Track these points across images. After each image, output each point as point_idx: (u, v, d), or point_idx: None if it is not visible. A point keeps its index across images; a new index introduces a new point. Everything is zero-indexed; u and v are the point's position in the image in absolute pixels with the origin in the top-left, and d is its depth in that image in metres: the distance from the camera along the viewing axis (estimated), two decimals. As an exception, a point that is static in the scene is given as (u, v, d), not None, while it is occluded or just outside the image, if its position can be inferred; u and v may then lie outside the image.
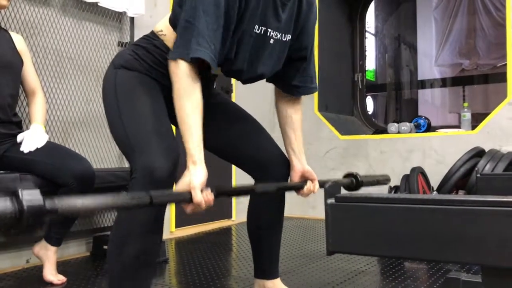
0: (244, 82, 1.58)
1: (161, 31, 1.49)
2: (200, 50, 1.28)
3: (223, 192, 1.33)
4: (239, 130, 1.66)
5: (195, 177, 1.21)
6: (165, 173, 1.28)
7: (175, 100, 1.30)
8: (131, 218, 1.31)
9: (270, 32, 1.46)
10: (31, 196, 0.83)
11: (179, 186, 1.23)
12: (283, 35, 1.50)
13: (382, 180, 1.93)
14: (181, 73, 1.29)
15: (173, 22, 1.45)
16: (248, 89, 3.99)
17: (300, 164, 1.64)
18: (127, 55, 1.49)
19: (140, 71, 1.46)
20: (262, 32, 1.44)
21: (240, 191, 1.47)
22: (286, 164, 1.66)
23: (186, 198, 1.20)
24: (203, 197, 1.20)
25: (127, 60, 1.48)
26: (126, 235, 1.31)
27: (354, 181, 1.69)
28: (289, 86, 1.65)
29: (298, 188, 1.59)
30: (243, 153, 1.65)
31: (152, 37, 1.51)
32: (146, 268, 1.33)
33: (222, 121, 1.66)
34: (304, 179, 1.62)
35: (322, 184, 1.62)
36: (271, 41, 1.48)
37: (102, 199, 0.99)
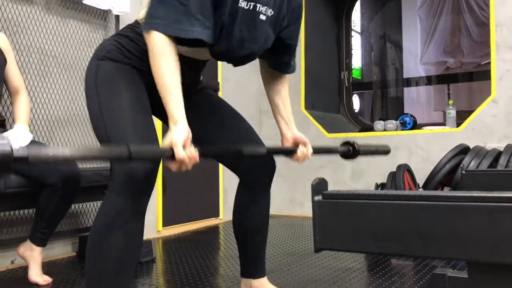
0: (235, 63, 1.55)
1: (144, 18, 1.46)
2: (195, 31, 1.26)
3: (208, 152, 1.30)
4: (227, 127, 1.65)
5: (176, 134, 1.20)
6: (143, 174, 1.26)
7: (152, 69, 1.28)
8: (111, 216, 1.28)
9: (260, 7, 1.42)
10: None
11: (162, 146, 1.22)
12: (271, 10, 1.46)
13: (380, 150, 1.89)
14: (155, 44, 1.27)
15: None
16: (235, 88, 4.00)
17: (290, 131, 1.64)
18: (110, 45, 1.46)
19: (122, 62, 1.43)
20: (251, 8, 1.40)
21: (228, 152, 1.43)
22: (272, 166, 1.67)
23: (167, 154, 1.17)
24: (186, 153, 1.18)
25: (109, 51, 1.45)
26: (106, 242, 1.26)
27: (351, 149, 1.67)
28: (279, 63, 1.64)
29: (290, 152, 1.57)
30: None
31: (135, 25, 1.48)
32: (127, 272, 1.30)
33: (208, 117, 1.64)
34: (296, 145, 1.60)
35: (316, 150, 1.62)
36: (261, 16, 1.44)
37: (78, 150, 0.98)
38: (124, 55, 1.44)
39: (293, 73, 1.71)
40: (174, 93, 1.25)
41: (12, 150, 0.84)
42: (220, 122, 1.65)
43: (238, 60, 1.53)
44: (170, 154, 1.17)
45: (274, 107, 1.69)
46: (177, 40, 1.30)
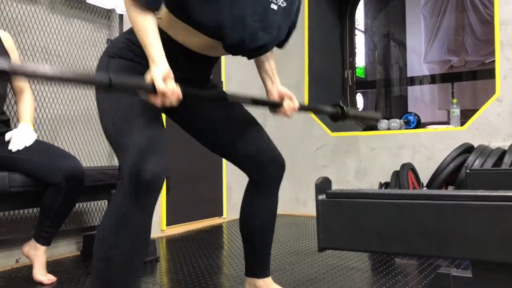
0: (249, 55, 1.52)
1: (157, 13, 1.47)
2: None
3: (190, 91, 1.33)
4: (237, 126, 1.64)
5: (155, 69, 1.23)
6: (152, 176, 1.26)
7: (133, 26, 1.31)
8: (118, 214, 1.28)
9: None
10: None
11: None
12: (283, 0, 1.45)
13: (369, 116, 1.89)
14: (135, 15, 1.30)
15: (167, 1, 1.41)
16: (238, 86, 3.99)
17: (275, 87, 1.65)
18: (121, 43, 1.47)
19: (133, 60, 1.43)
20: None
21: (211, 96, 1.46)
22: (282, 166, 1.67)
23: (148, 86, 1.21)
24: (167, 87, 1.21)
25: (120, 49, 1.45)
26: (113, 242, 1.27)
27: (339, 111, 1.68)
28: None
29: (276, 105, 1.58)
30: (240, 151, 1.63)
31: None
32: (133, 270, 1.30)
33: (219, 115, 1.63)
34: (282, 99, 1.61)
35: (303, 107, 1.62)
36: (272, 6, 1.42)
37: (60, 71, 1.00)
38: (135, 53, 1.43)
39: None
40: (151, 37, 1.28)
41: None
42: (231, 120, 1.65)
43: (250, 53, 1.50)
44: (151, 87, 1.20)
45: (258, 65, 1.69)
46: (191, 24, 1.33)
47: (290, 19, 1.52)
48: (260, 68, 1.69)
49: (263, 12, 1.41)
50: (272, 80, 1.65)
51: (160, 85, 1.20)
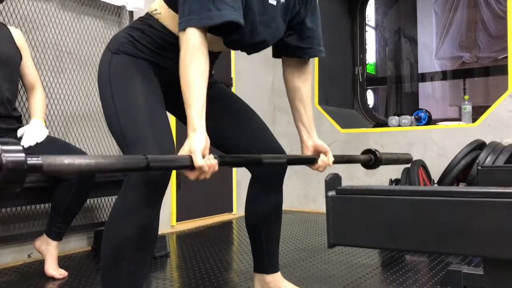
0: (248, 50, 1.51)
1: (156, 10, 1.44)
2: (224, 14, 1.23)
3: (227, 161, 1.27)
4: (240, 123, 1.64)
5: (194, 142, 1.17)
6: (160, 172, 1.26)
7: (180, 68, 1.25)
8: (125, 209, 1.28)
9: None
10: (11, 151, 0.76)
11: (179, 154, 1.19)
12: None
13: (402, 158, 1.85)
14: (187, 40, 1.24)
15: None
16: (249, 83, 3.99)
17: (311, 139, 1.61)
18: (122, 38, 1.46)
19: (136, 55, 1.42)
20: None
21: (247, 161, 1.40)
22: None
23: (186, 162, 1.14)
24: (205, 161, 1.15)
25: (122, 44, 1.44)
26: (121, 237, 1.27)
27: (372, 158, 1.63)
28: (293, 48, 1.59)
29: (310, 161, 1.54)
30: (241, 147, 1.63)
31: (147, 18, 1.47)
32: (142, 265, 1.30)
33: (221, 112, 1.63)
34: (317, 153, 1.58)
35: (338, 159, 1.58)
36: (271, 1, 1.41)
37: (94, 159, 0.92)
38: (137, 48, 1.43)
39: (320, 56, 1.65)
40: (197, 99, 1.21)
41: (25, 158, 0.78)
42: (233, 116, 1.64)
43: (250, 48, 1.49)
44: (189, 163, 1.14)
45: (294, 112, 1.65)
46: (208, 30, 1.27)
47: (288, 15, 1.50)
48: (296, 116, 1.65)
49: (262, 5, 1.40)
50: (309, 132, 1.62)
51: (199, 161, 1.13)
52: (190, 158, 1.14)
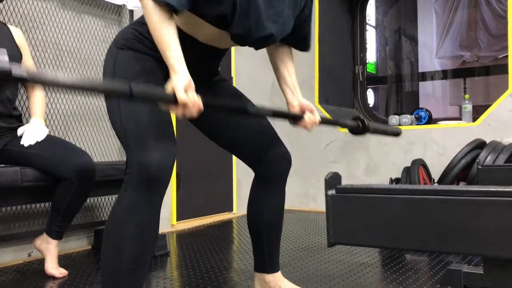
0: (256, 45, 1.51)
1: None
2: None
3: (212, 103, 1.30)
4: (243, 121, 1.63)
5: (176, 79, 1.20)
6: (159, 167, 1.26)
7: (152, 34, 1.29)
8: (125, 209, 1.28)
9: None
10: None
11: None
12: None
13: (390, 131, 1.84)
14: (150, 10, 1.30)
15: None
16: (248, 81, 3.99)
17: (295, 98, 1.62)
18: (129, 33, 1.46)
19: (141, 51, 1.42)
20: None
21: (233, 107, 1.43)
22: (289, 162, 1.66)
23: (169, 97, 1.18)
24: (188, 97, 1.18)
25: (128, 39, 1.44)
26: (122, 236, 1.27)
27: (360, 124, 1.64)
28: (299, 39, 1.63)
29: (297, 118, 1.55)
30: (246, 147, 1.63)
31: None
32: (141, 265, 1.30)
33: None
34: (303, 112, 1.58)
35: (324, 120, 1.59)
36: None
37: (79, 80, 0.97)
38: (144, 44, 1.43)
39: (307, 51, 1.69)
40: (173, 48, 1.25)
41: (11, 68, 0.87)
42: (244, 121, 1.63)
43: (257, 42, 1.48)
44: (172, 98, 1.18)
45: (279, 76, 1.67)
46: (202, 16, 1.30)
47: (296, 9, 1.50)
48: (280, 79, 1.67)
49: (270, 1, 1.40)
50: (293, 92, 1.63)
51: (181, 96, 1.17)
52: (173, 93, 1.18)
